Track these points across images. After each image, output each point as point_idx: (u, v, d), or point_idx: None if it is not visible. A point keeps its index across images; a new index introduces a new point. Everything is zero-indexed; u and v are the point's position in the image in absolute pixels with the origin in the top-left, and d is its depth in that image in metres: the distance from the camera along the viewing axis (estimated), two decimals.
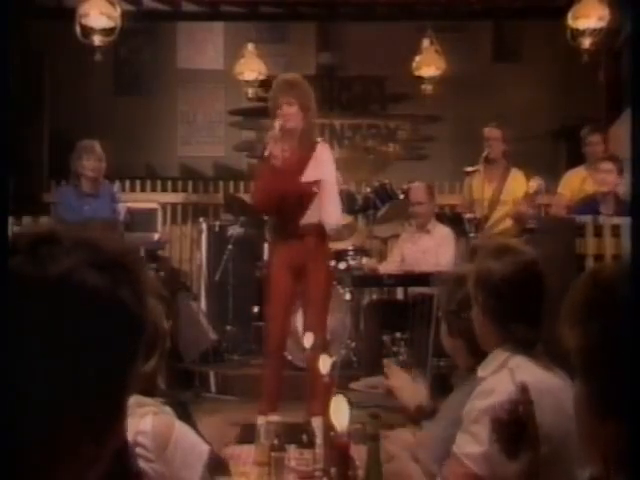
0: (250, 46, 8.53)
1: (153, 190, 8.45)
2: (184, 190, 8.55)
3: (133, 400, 1.73)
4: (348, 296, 6.39)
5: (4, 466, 0.81)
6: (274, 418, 3.91)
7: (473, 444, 2.05)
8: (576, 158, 6.94)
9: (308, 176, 4.70)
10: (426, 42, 8.12)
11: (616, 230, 5.08)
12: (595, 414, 1.16)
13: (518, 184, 6.27)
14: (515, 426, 1.70)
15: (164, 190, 8.48)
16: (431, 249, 6.13)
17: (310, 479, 3.01)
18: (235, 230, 6.89)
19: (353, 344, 6.38)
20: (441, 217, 6.56)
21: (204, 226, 7.49)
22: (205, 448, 2.02)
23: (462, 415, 2.14)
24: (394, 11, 8.41)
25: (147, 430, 1.90)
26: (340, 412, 1.49)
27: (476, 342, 2.30)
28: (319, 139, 5.03)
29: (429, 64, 8.14)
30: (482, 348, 2.28)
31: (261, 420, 3.98)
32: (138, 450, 1.83)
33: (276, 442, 2.92)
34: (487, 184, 6.32)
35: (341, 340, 6.24)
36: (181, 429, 1.99)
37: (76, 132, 7.09)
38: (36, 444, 0.83)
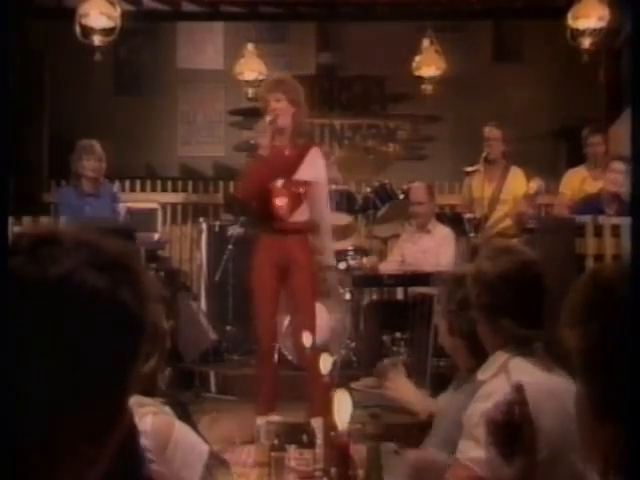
0: (250, 46, 8.53)
1: (153, 190, 8.45)
2: (184, 190, 8.55)
3: (133, 400, 1.73)
4: (348, 296, 6.39)
5: (4, 466, 0.81)
6: (274, 418, 3.91)
7: (476, 449, 2.04)
8: (576, 158, 6.94)
9: (299, 175, 4.70)
10: (426, 42, 8.12)
11: (616, 230, 5.08)
12: (595, 415, 1.16)
13: (518, 182, 6.28)
14: (510, 427, 1.68)
15: (164, 190, 8.49)
16: (431, 249, 6.13)
17: (310, 479, 3.01)
18: (235, 230, 6.88)
19: (353, 344, 6.38)
20: (441, 217, 6.56)
21: (204, 226, 7.48)
22: (205, 448, 2.02)
23: (462, 418, 2.13)
24: (394, 11, 8.41)
25: (147, 430, 1.90)
26: (343, 407, 1.49)
27: (476, 342, 2.30)
28: (316, 144, 5.04)
29: (429, 64, 8.14)
30: (485, 349, 2.27)
31: (260, 421, 3.98)
32: None
33: (276, 442, 2.92)
34: (487, 184, 6.33)
35: (341, 340, 6.24)
36: (181, 429, 1.99)
37: (76, 132, 7.09)
38: (36, 444, 0.83)
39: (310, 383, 4.37)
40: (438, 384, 3.86)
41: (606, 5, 6.54)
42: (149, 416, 1.93)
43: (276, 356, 6.18)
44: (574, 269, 4.82)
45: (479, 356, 2.29)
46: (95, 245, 0.89)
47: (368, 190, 6.79)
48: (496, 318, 2.20)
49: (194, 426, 2.36)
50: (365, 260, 6.45)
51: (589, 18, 6.59)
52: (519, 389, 1.71)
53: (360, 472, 1.88)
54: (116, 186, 6.59)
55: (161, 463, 1.90)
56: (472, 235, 6.09)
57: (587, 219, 5.24)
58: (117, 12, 6.54)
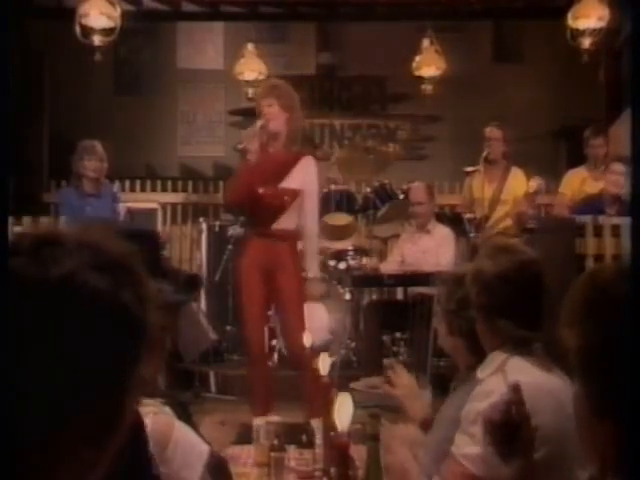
0: (250, 46, 8.53)
1: (153, 190, 8.45)
2: (184, 190, 8.55)
3: None
4: (348, 296, 6.39)
5: (4, 466, 0.81)
6: (274, 418, 3.91)
7: (471, 445, 2.06)
8: (576, 158, 6.94)
9: (287, 183, 4.69)
10: (426, 42, 8.12)
11: (616, 230, 5.09)
12: (594, 414, 1.16)
13: (518, 182, 6.28)
14: (508, 427, 1.67)
15: (164, 190, 8.49)
16: (431, 249, 6.13)
17: (310, 479, 3.02)
18: (235, 230, 6.88)
19: (353, 344, 6.38)
20: (441, 217, 6.56)
21: (204, 226, 7.48)
22: (205, 448, 2.02)
23: (461, 416, 2.14)
24: (394, 11, 8.41)
25: (147, 430, 1.90)
26: (344, 410, 1.49)
27: (476, 341, 2.30)
28: (311, 153, 5.03)
29: (429, 64, 8.15)
30: (481, 349, 2.28)
31: (257, 421, 3.97)
32: None
33: (276, 442, 2.92)
34: (487, 184, 6.33)
35: (341, 340, 6.24)
36: (181, 429, 1.99)
37: (76, 132, 7.10)
38: (36, 446, 0.83)
39: (309, 383, 4.36)
40: (438, 384, 3.85)
41: (606, 5, 6.55)
42: (149, 416, 1.94)
43: (276, 356, 6.19)
44: (574, 269, 4.82)
45: (479, 355, 2.29)
46: (97, 246, 0.89)
47: (368, 190, 6.79)
48: (494, 318, 2.20)
49: (195, 426, 2.36)
50: (365, 260, 6.45)
51: (589, 18, 6.59)
52: (516, 389, 1.70)
53: (360, 472, 1.88)
54: (116, 186, 6.59)
55: (161, 463, 1.90)
56: (472, 235, 6.09)
57: (587, 219, 5.24)
58: (117, 12, 6.54)
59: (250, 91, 8.56)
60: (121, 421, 0.89)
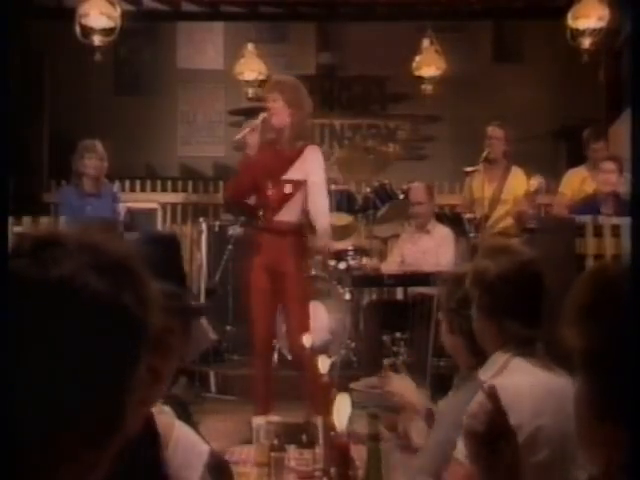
0: (250, 46, 8.53)
1: (153, 190, 8.45)
2: (184, 190, 8.55)
3: None
4: (348, 296, 6.39)
5: (4, 466, 0.81)
6: (274, 418, 3.91)
7: None
8: (576, 158, 6.94)
9: (291, 174, 4.68)
10: (426, 42, 8.12)
11: (616, 230, 5.09)
12: (596, 414, 1.15)
13: (519, 182, 6.28)
14: (489, 436, 1.55)
15: (164, 190, 8.49)
16: (431, 249, 6.13)
17: (310, 479, 3.01)
18: (235, 230, 6.88)
19: (353, 344, 6.38)
20: (441, 217, 6.55)
21: (204, 226, 7.48)
22: (205, 448, 2.02)
23: (463, 418, 2.13)
24: (394, 11, 8.41)
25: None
26: (343, 410, 1.49)
27: (475, 340, 2.30)
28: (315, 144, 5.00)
29: (429, 64, 8.15)
30: (482, 349, 2.27)
31: (258, 421, 3.97)
32: None
33: (276, 442, 2.91)
34: (487, 184, 6.33)
35: (341, 340, 6.24)
36: (181, 429, 1.99)
37: (76, 132, 7.10)
38: (36, 446, 0.83)
39: (310, 383, 4.36)
40: (438, 384, 3.86)
41: (606, 5, 6.54)
42: None
43: (276, 356, 6.19)
44: (574, 269, 4.82)
45: (479, 354, 2.29)
46: (97, 247, 0.89)
47: (368, 190, 6.79)
48: (498, 318, 2.19)
49: (195, 426, 2.36)
50: (365, 260, 6.45)
51: (589, 18, 6.59)
52: (493, 395, 1.59)
53: (360, 472, 1.88)
54: (116, 186, 6.59)
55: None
56: (472, 235, 6.09)
57: (587, 219, 5.25)
58: (117, 12, 6.54)
59: (250, 91, 8.56)
60: (121, 421, 0.89)
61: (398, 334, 6.36)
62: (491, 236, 6.04)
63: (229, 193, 5.18)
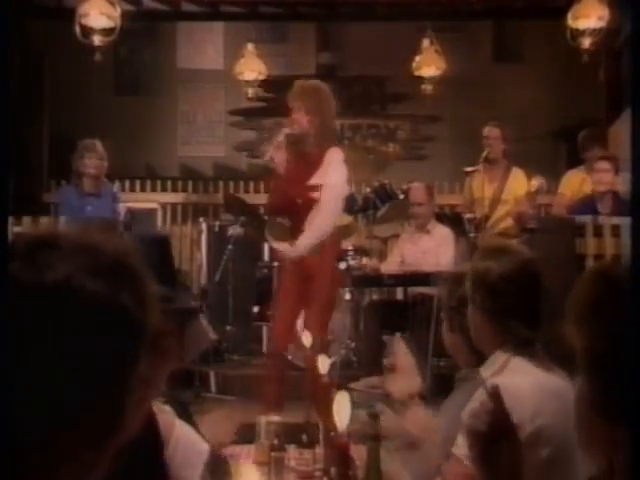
0: (250, 46, 8.54)
1: (153, 190, 8.45)
2: (184, 190, 8.55)
3: None
4: (348, 296, 6.39)
5: (4, 466, 0.81)
6: (274, 418, 3.91)
7: None
8: (576, 158, 6.94)
9: (315, 179, 4.67)
10: (426, 42, 8.12)
11: (616, 230, 5.09)
12: (597, 413, 1.15)
13: (519, 183, 6.28)
14: (491, 435, 1.53)
15: (164, 190, 8.49)
16: (431, 249, 6.13)
17: (310, 479, 3.01)
18: (235, 230, 6.89)
19: (353, 344, 6.38)
20: (441, 217, 6.55)
21: (204, 226, 7.49)
22: (205, 447, 2.02)
23: (462, 416, 2.14)
24: (394, 11, 8.41)
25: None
26: (343, 411, 1.49)
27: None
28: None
29: (429, 64, 8.15)
30: (479, 349, 2.27)
31: (261, 420, 3.97)
32: None
33: (276, 442, 2.91)
34: (488, 184, 6.32)
35: (341, 340, 6.24)
36: (181, 428, 1.99)
37: (76, 132, 7.10)
38: (36, 446, 0.83)
39: (310, 383, 4.36)
40: (438, 384, 3.86)
41: (606, 5, 6.55)
42: None
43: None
44: (574, 269, 4.82)
45: (478, 353, 2.29)
46: (95, 248, 0.89)
47: (368, 190, 6.78)
48: (494, 316, 2.19)
49: (195, 426, 2.36)
50: (365, 260, 6.45)
51: (589, 18, 6.59)
52: (495, 394, 1.57)
53: (360, 472, 1.88)
54: (116, 186, 6.59)
55: None
56: (472, 235, 6.09)
57: (587, 219, 5.25)
58: (117, 12, 6.55)
59: (250, 91, 8.57)
60: (121, 421, 0.89)
61: (398, 334, 6.36)
62: (490, 236, 6.04)
63: (270, 209, 5.30)
